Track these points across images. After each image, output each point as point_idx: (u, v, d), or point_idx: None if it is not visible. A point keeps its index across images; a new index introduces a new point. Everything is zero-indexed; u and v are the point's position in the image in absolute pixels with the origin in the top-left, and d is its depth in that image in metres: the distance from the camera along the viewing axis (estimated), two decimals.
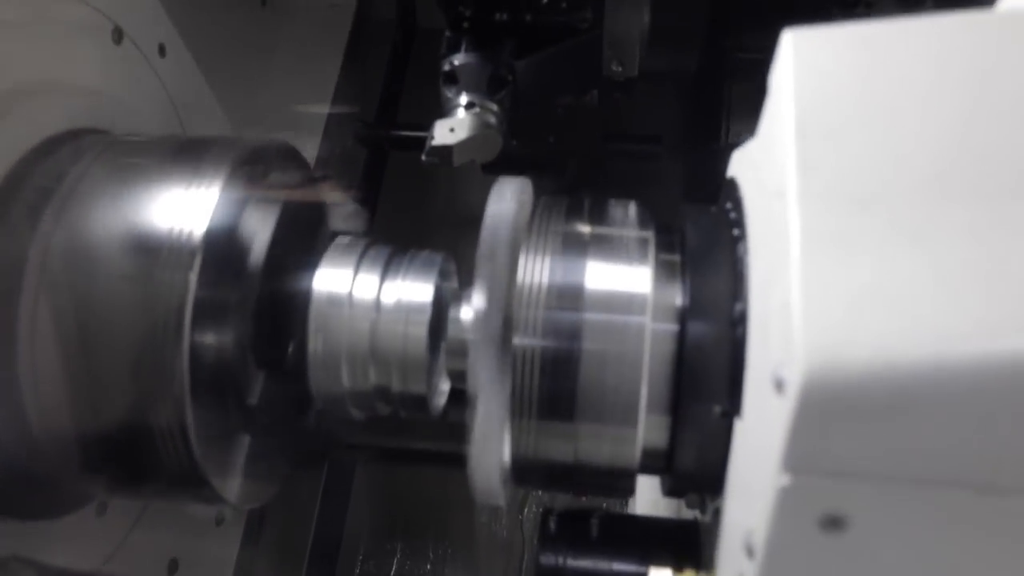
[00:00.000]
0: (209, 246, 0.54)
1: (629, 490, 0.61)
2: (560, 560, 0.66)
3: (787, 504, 0.37)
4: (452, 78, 0.74)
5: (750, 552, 0.42)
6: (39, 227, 0.57)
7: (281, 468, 0.69)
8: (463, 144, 0.71)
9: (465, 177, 1.06)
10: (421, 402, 0.61)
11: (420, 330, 0.59)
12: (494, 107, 0.74)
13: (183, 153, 0.59)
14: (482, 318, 0.54)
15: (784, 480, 0.37)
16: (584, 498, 0.69)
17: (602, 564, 0.66)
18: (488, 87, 0.74)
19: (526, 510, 1.17)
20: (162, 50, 0.78)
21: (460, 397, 0.56)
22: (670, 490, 0.62)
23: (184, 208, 0.55)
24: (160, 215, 0.56)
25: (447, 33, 0.76)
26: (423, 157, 0.72)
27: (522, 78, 0.75)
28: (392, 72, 1.44)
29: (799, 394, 0.35)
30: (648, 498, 0.89)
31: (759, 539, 0.40)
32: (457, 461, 1.26)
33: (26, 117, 0.59)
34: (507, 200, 0.57)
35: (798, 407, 0.35)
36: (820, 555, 0.39)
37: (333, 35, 1.34)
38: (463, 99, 0.74)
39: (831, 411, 0.35)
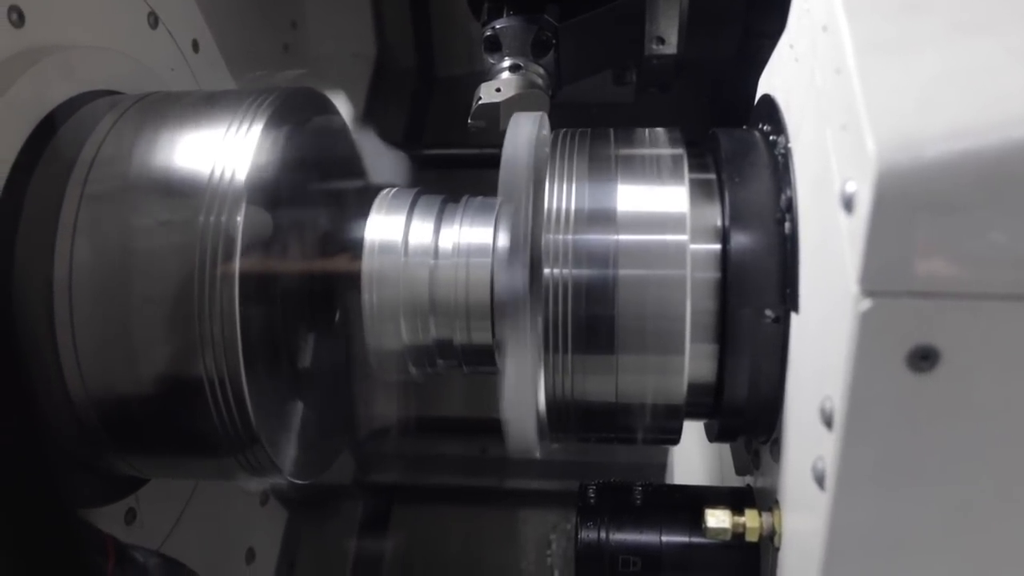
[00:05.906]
0: (254, 189, 0.52)
1: (675, 433, 0.56)
2: (602, 534, 0.60)
3: (871, 337, 0.34)
4: (495, 44, 0.72)
5: (828, 422, 0.38)
6: (73, 173, 0.55)
7: (334, 443, 0.63)
8: (510, 103, 0.69)
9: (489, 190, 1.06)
10: (486, 354, 0.56)
11: (483, 273, 0.55)
12: (540, 70, 0.72)
13: (219, 100, 0.59)
14: (503, 252, 0.50)
15: (865, 304, 0.33)
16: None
17: (649, 535, 0.60)
18: (532, 51, 0.73)
19: (553, 546, 1.09)
20: (196, 46, 0.80)
21: None
22: (719, 432, 0.57)
23: (225, 152, 0.53)
24: (200, 159, 0.53)
25: (487, 3, 0.75)
26: (469, 120, 0.70)
27: (564, 44, 0.74)
28: (412, 118, 1.48)
29: (873, 195, 0.32)
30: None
31: (839, 399, 0.36)
32: (489, 496, 1.18)
33: (61, 70, 0.59)
34: (524, 130, 0.54)
35: (873, 211, 0.32)
36: (909, 403, 0.35)
37: (355, 82, 1.39)
38: (507, 62, 0.72)
39: (910, 210, 0.32)
